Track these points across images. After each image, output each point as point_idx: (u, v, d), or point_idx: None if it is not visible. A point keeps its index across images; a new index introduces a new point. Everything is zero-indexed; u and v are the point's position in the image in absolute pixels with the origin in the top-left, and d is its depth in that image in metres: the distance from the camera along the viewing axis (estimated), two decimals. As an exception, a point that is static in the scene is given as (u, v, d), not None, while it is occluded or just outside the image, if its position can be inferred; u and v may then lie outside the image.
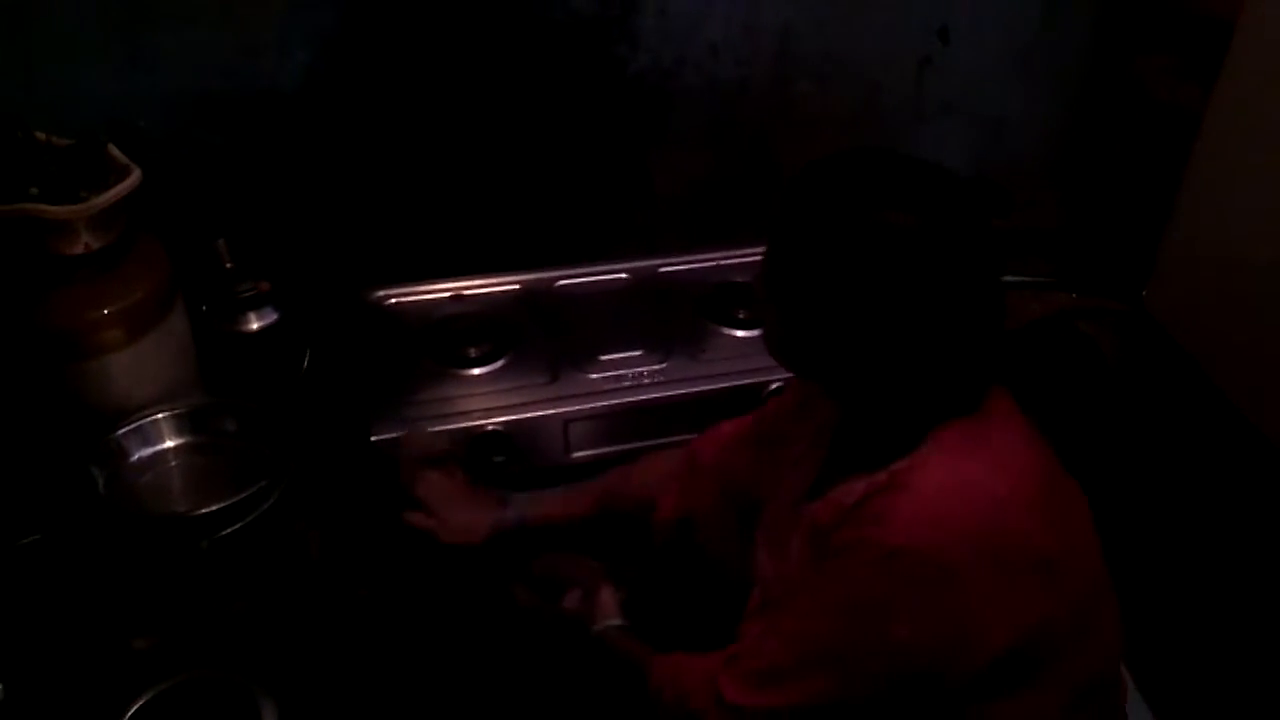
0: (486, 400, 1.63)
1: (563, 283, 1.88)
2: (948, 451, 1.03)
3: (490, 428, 1.58)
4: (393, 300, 1.83)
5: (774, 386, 1.62)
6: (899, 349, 1.03)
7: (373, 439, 1.54)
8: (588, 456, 1.64)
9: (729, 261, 1.95)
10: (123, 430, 1.48)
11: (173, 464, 1.51)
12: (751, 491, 1.33)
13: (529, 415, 1.60)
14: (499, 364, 1.70)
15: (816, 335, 1.07)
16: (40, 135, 1.46)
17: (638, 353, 1.72)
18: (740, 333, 1.78)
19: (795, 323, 1.08)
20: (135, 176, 1.43)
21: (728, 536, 1.38)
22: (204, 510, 1.37)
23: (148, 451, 1.51)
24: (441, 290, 1.85)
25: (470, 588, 1.50)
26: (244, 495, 1.39)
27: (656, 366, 1.70)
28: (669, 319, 1.79)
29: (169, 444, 1.52)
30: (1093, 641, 1.07)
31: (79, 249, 1.41)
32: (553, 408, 1.61)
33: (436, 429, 1.57)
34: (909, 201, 1.00)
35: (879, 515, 1.00)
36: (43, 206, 1.37)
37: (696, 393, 1.64)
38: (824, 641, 1.04)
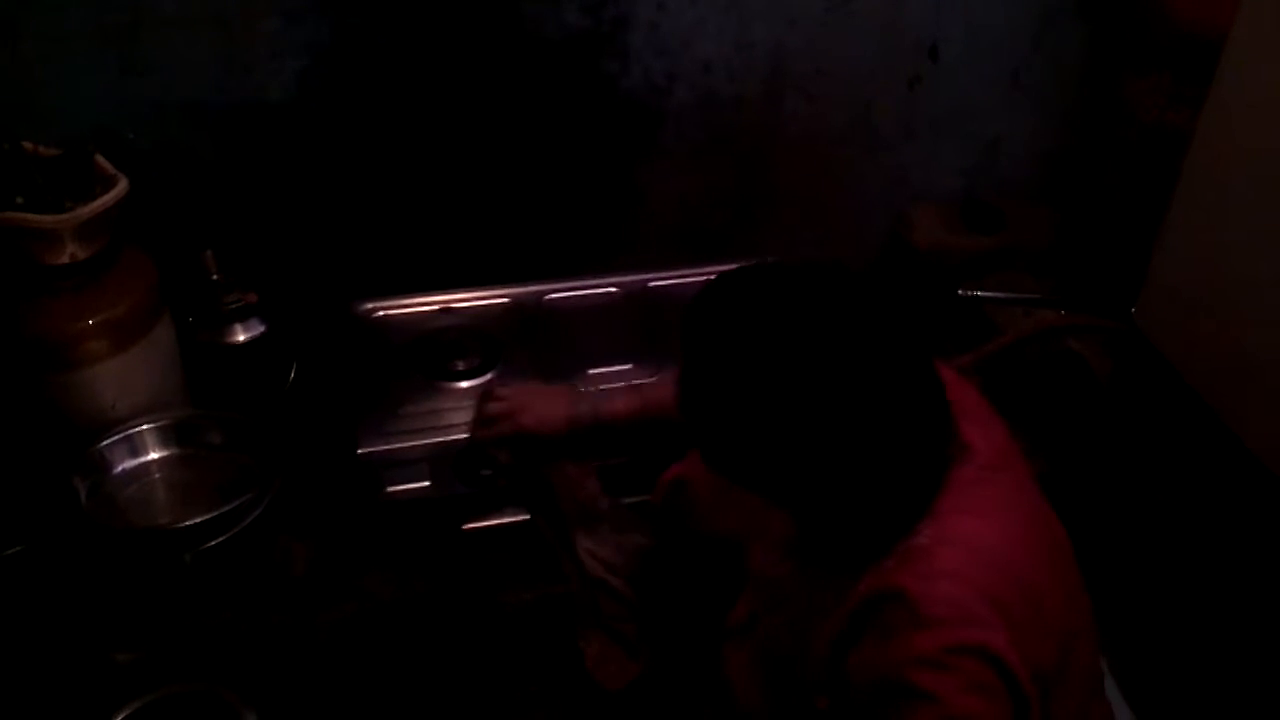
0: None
1: (552, 296, 1.88)
2: (945, 515, 1.01)
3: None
4: (380, 313, 1.82)
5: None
6: (830, 475, 1.00)
7: (359, 452, 1.53)
8: (576, 471, 1.63)
9: (719, 276, 1.94)
10: (106, 442, 1.48)
11: (157, 476, 1.50)
12: None
13: (517, 429, 1.59)
14: (487, 377, 1.69)
15: (743, 464, 1.04)
16: (28, 145, 1.45)
17: (627, 366, 1.72)
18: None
19: (719, 451, 1.05)
20: (122, 186, 1.43)
21: (714, 511, 1.36)
22: (188, 523, 1.36)
23: (132, 463, 1.50)
24: (430, 303, 1.84)
25: (455, 602, 1.49)
26: (229, 508, 1.38)
27: (646, 381, 1.69)
28: (659, 333, 1.78)
29: (153, 456, 1.52)
30: (1075, 675, 1.06)
31: (64, 259, 1.41)
32: (541, 421, 1.60)
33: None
34: (810, 329, 0.96)
35: (912, 620, 0.96)
36: (28, 215, 1.37)
37: (686, 408, 1.63)
38: None
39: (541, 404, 1.44)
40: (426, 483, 1.58)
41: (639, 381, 1.51)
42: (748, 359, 0.97)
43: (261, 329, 1.67)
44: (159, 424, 1.51)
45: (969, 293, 2.01)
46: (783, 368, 0.96)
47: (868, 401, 0.96)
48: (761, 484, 1.05)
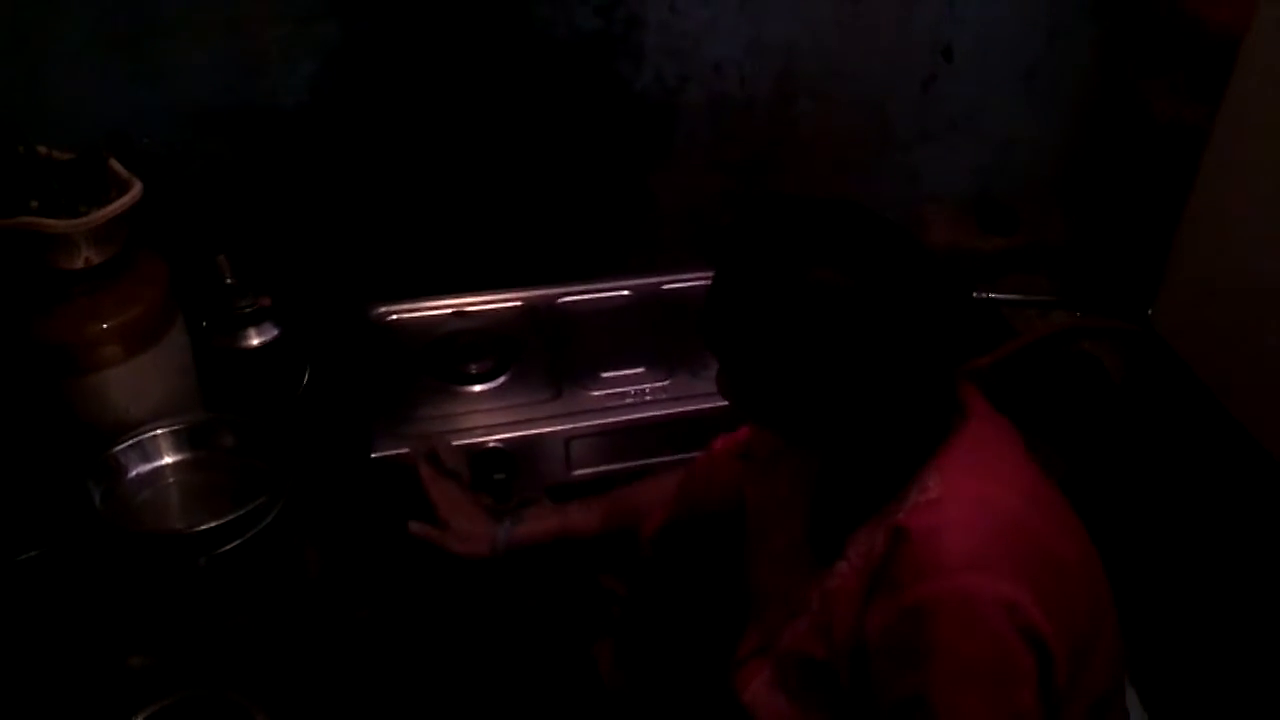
0: (488, 417, 1.62)
1: (565, 299, 1.88)
2: (955, 473, 1.01)
3: (492, 445, 1.57)
4: (394, 316, 1.82)
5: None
6: (846, 400, 1.01)
7: (373, 456, 1.53)
8: (590, 474, 1.63)
9: (732, 279, 1.94)
10: (121, 446, 1.47)
11: (171, 480, 1.50)
12: (735, 502, 1.32)
13: (531, 432, 1.59)
14: (501, 381, 1.69)
15: (763, 389, 1.05)
16: (41, 149, 1.45)
17: (640, 370, 1.71)
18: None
19: (740, 375, 1.07)
20: (136, 190, 1.42)
21: (713, 539, 1.38)
22: (202, 527, 1.36)
23: (146, 468, 1.50)
24: (443, 306, 1.84)
25: (469, 607, 1.49)
26: (242, 512, 1.38)
27: (659, 384, 1.69)
28: (672, 336, 1.78)
29: (167, 460, 1.51)
30: (1101, 655, 1.05)
31: (79, 263, 1.41)
32: (555, 425, 1.60)
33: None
34: (839, 255, 0.98)
35: (922, 569, 0.96)
36: (42, 220, 1.36)
37: (699, 410, 1.63)
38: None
39: (467, 526, 1.47)
40: (440, 486, 1.58)
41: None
42: (775, 267, 0.99)
43: (275, 333, 1.67)
44: (173, 428, 1.51)
45: (983, 295, 2.00)
46: (807, 277, 0.97)
47: (891, 310, 0.97)
48: (782, 408, 1.05)
